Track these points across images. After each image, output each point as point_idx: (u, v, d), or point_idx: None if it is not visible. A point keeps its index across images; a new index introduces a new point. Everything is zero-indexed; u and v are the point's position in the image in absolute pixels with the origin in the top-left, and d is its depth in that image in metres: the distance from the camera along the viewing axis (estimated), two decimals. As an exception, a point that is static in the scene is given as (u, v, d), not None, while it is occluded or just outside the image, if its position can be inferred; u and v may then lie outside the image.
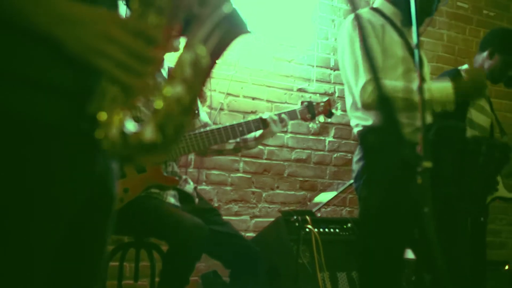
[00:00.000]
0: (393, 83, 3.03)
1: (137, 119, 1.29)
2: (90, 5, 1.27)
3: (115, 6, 1.31)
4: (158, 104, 1.27)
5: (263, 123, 3.68)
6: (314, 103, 3.92)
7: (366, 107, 3.11)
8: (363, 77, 3.04)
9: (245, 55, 5.13)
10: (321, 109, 3.93)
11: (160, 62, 1.29)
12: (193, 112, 1.30)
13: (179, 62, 1.28)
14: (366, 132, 3.22)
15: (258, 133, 3.77)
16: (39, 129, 1.27)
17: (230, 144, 3.82)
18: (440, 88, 3.08)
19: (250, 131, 3.68)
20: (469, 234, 3.64)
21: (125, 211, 3.19)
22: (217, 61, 1.29)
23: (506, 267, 5.13)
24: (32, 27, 1.23)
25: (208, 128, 3.61)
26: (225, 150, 3.87)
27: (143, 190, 3.40)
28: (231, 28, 1.30)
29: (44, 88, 1.28)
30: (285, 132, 5.36)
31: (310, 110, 3.88)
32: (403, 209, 2.88)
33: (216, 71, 4.53)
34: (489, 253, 4.53)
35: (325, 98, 4.12)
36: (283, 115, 3.77)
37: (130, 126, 1.26)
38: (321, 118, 3.96)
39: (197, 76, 1.27)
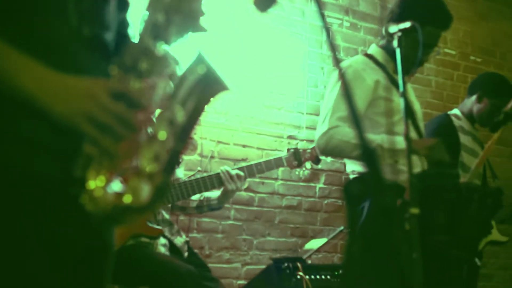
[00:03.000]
0: (376, 136, 3.08)
1: (122, 180, 1.32)
2: (81, 76, 1.32)
3: (107, 75, 1.35)
4: (141, 165, 1.30)
5: (218, 181, 3.66)
6: (301, 150, 3.94)
7: (318, 150, 3.22)
8: (327, 124, 3.14)
9: (235, 103, 5.17)
10: (308, 155, 3.95)
11: (145, 124, 1.32)
12: (174, 171, 1.33)
13: (159, 124, 1.32)
14: (349, 182, 3.27)
15: (220, 192, 3.78)
16: (36, 183, 1.33)
17: (193, 202, 3.82)
18: (394, 140, 3.10)
19: (208, 188, 3.65)
20: (465, 281, 3.64)
21: (116, 259, 3.18)
22: (196, 121, 1.33)
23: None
24: (18, 93, 1.27)
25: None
26: (189, 208, 3.86)
27: (127, 239, 3.38)
28: (207, 88, 1.34)
29: (37, 147, 1.33)
30: (276, 179, 5.38)
31: (296, 157, 3.91)
32: (387, 256, 2.88)
33: (206, 119, 4.54)
34: (481, 298, 4.54)
35: (312, 145, 4.10)
36: (255, 167, 3.78)
37: (116, 187, 1.29)
38: (308, 165, 3.96)
39: (177, 136, 1.31)
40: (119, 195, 1.28)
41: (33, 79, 1.28)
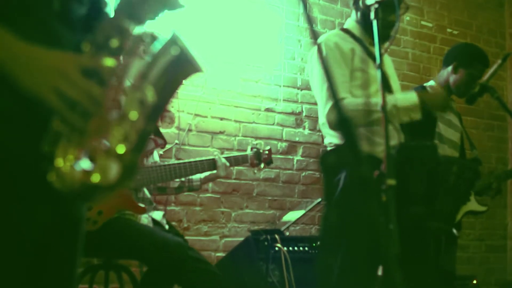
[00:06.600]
0: (354, 100, 3.12)
1: (91, 158, 1.31)
2: (53, 49, 1.30)
3: (79, 50, 1.33)
4: (110, 144, 1.29)
5: (213, 165, 3.85)
6: (261, 151, 4.15)
7: (332, 127, 3.22)
8: (331, 100, 3.12)
9: (212, 76, 5.15)
10: (266, 156, 4.17)
11: (113, 102, 1.30)
12: (144, 152, 1.32)
13: (129, 103, 1.31)
14: (326, 153, 3.28)
15: (204, 174, 3.96)
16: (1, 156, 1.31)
17: (175, 183, 3.96)
18: (406, 97, 3.16)
19: (199, 171, 3.84)
20: (442, 251, 3.68)
21: (101, 233, 3.21)
22: (168, 102, 1.32)
23: (474, 282, 5.17)
24: None
25: (160, 164, 3.73)
26: (168, 188, 3.97)
27: (116, 213, 3.39)
28: (180, 69, 1.34)
29: (1, 119, 1.31)
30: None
31: (257, 157, 4.12)
32: (363, 226, 2.90)
33: (184, 92, 4.52)
34: (457, 268, 4.58)
35: (268, 147, 4.27)
36: (233, 159, 4.00)
37: (84, 165, 1.29)
38: (262, 165, 4.18)
39: (147, 117, 1.31)
40: (87, 173, 1.28)
41: (1, 47, 1.25)
